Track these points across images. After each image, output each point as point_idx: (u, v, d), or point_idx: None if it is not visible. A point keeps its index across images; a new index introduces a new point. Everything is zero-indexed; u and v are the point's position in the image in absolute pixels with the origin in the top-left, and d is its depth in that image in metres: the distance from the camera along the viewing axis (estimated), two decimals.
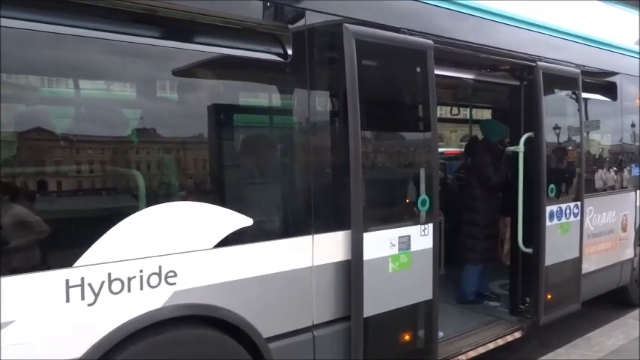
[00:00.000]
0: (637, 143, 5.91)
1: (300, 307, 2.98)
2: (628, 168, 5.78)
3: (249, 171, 3.01)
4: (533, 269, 4.35)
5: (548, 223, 4.32)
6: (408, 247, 3.32)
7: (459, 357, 3.94)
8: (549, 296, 4.40)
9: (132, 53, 2.48)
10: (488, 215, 5.02)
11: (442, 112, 8.80)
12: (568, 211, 4.54)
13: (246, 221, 2.73)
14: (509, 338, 4.38)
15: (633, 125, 5.83)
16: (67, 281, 2.23)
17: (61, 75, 2.43)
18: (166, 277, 2.49)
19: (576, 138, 4.80)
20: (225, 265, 2.68)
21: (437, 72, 3.52)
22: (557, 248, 4.41)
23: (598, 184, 5.32)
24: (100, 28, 2.39)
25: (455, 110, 7.76)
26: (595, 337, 4.65)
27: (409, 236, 3.32)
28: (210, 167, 2.85)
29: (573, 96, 4.72)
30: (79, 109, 2.54)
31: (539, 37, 4.47)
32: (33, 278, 2.16)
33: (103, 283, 2.31)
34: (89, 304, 2.28)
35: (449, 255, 4.77)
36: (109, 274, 2.33)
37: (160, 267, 2.47)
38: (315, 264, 3.01)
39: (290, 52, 2.91)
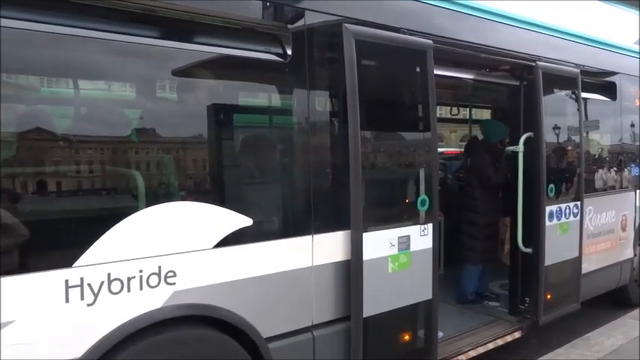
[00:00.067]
0: (636, 143, 5.91)
1: (299, 307, 2.98)
2: (627, 168, 5.78)
3: (249, 171, 3.01)
4: (532, 269, 4.35)
5: (547, 223, 4.32)
6: (408, 247, 3.32)
7: (459, 357, 3.95)
8: (549, 296, 4.40)
9: (132, 53, 2.48)
10: (488, 215, 5.03)
11: (442, 112, 8.80)
12: (568, 211, 4.55)
13: (246, 221, 2.73)
14: (509, 338, 4.38)
15: (633, 125, 5.83)
16: (67, 281, 2.23)
17: (61, 75, 2.43)
18: (166, 277, 2.49)
19: (576, 138, 4.80)
20: (225, 265, 2.68)
21: (437, 72, 3.52)
22: (556, 248, 4.41)
23: (598, 184, 5.32)
24: (100, 28, 2.39)
25: (455, 110, 7.76)
26: (594, 337, 4.66)
27: (409, 236, 3.33)
28: (209, 167, 2.85)
29: (573, 96, 4.72)
30: (78, 109, 2.55)
31: (539, 37, 4.48)
32: (33, 278, 2.16)
33: (102, 283, 2.31)
34: (89, 304, 2.28)
35: (449, 255, 4.76)
36: (109, 274, 2.33)
37: (159, 267, 2.47)
38: (314, 264, 3.01)
39: (290, 52, 2.91)
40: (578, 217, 4.65)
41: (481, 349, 4.12)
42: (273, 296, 2.86)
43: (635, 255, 5.82)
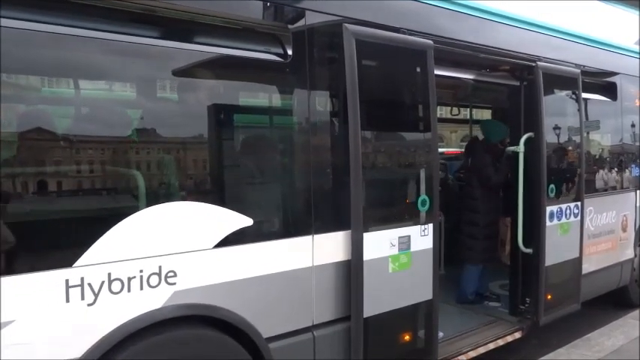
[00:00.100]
0: (637, 143, 5.91)
1: (300, 307, 2.98)
2: (628, 168, 5.78)
3: (249, 171, 3.01)
4: (533, 269, 4.35)
5: (548, 223, 4.32)
6: (408, 248, 3.32)
7: (459, 357, 3.94)
8: (549, 296, 4.40)
9: (132, 53, 2.48)
10: (488, 215, 5.03)
11: (442, 112, 8.80)
12: (568, 211, 4.54)
13: (246, 221, 2.73)
14: (509, 338, 4.38)
15: (633, 125, 5.83)
16: (67, 281, 2.23)
17: (61, 75, 2.43)
18: (166, 277, 2.49)
19: (576, 138, 4.80)
20: (226, 265, 2.68)
21: (437, 72, 3.52)
22: (557, 248, 4.41)
23: (598, 184, 5.31)
24: (100, 28, 2.39)
25: (455, 110, 7.76)
26: (595, 337, 4.65)
27: (409, 236, 3.32)
28: (210, 167, 2.85)
29: (573, 96, 4.72)
30: (78, 109, 2.55)
31: (539, 37, 4.48)
32: (33, 278, 2.16)
33: (102, 283, 2.31)
34: (89, 304, 2.28)
35: (449, 255, 4.77)
36: (109, 274, 2.33)
37: (159, 267, 2.47)
38: (315, 264, 3.00)
39: (290, 52, 2.91)
40: (579, 218, 4.65)
41: (481, 350, 4.12)
42: (274, 296, 2.86)
43: (635, 255, 5.82)
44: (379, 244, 3.17)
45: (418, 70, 3.48)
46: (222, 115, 2.83)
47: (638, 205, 5.78)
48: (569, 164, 4.83)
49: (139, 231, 2.42)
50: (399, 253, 3.27)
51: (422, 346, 3.49)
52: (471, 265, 5.10)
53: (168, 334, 2.51)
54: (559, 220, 4.45)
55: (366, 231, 3.10)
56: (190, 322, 2.60)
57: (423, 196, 3.40)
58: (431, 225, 3.44)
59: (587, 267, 4.84)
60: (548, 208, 4.33)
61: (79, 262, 2.26)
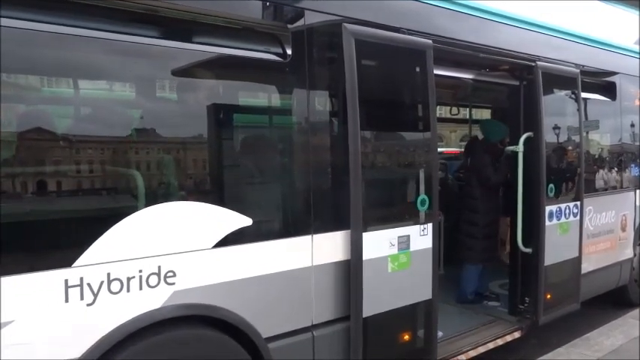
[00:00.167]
0: (636, 143, 5.91)
1: (299, 307, 2.98)
2: (627, 168, 5.78)
3: (249, 171, 3.00)
4: (532, 269, 4.35)
5: (547, 222, 4.32)
6: (408, 247, 3.32)
7: (459, 357, 3.95)
8: (549, 296, 4.40)
9: (132, 53, 2.48)
10: (488, 215, 5.03)
11: (442, 112, 8.80)
12: (567, 210, 4.55)
13: (246, 221, 2.73)
14: (509, 338, 4.38)
15: (632, 125, 5.83)
16: (66, 281, 2.23)
17: (61, 75, 2.42)
18: (165, 277, 2.49)
19: (576, 138, 4.80)
20: (225, 265, 2.68)
21: (436, 72, 3.52)
22: (556, 248, 4.41)
23: (597, 183, 5.32)
24: (100, 28, 2.39)
25: (454, 110, 7.76)
26: (594, 336, 4.66)
27: (408, 236, 3.32)
28: (209, 167, 2.84)
29: (573, 96, 4.72)
30: (78, 109, 2.54)
31: (539, 37, 4.48)
32: (32, 278, 2.16)
33: (102, 283, 2.31)
34: (88, 304, 2.28)
35: (448, 255, 4.77)
36: (108, 274, 2.33)
37: (159, 267, 2.47)
38: (314, 264, 3.01)
39: (289, 51, 2.91)
40: (578, 217, 4.65)
41: (481, 349, 4.13)
42: (273, 296, 2.86)
43: (634, 255, 5.82)
44: (378, 243, 3.17)
45: (418, 69, 3.47)
46: (221, 114, 2.83)
47: (637, 204, 5.79)
48: (568, 164, 4.83)
49: (139, 231, 2.42)
50: (399, 253, 3.28)
51: (421, 345, 3.49)
52: (470, 265, 5.11)
53: (168, 334, 2.51)
54: (558, 220, 4.45)
55: (366, 231, 3.10)
56: (190, 322, 2.60)
57: (423, 196, 3.41)
58: (430, 225, 3.44)
59: (586, 266, 4.84)
60: (548, 208, 4.34)
61: (79, 262, 2.26)
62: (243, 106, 3.06)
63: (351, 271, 3.09)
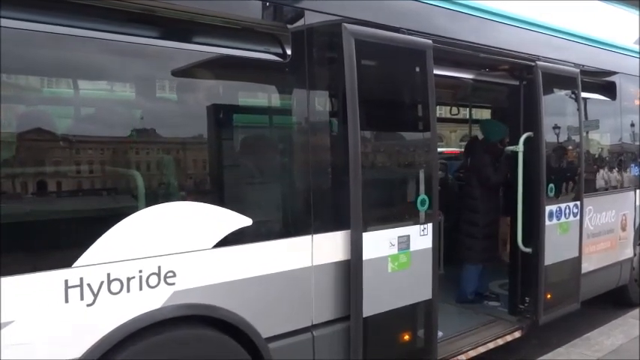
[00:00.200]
0: (636, 143, 5.91)
1: (299, 307, 2.98)
2: (627, 167, 5.78)
3: (249, 171, 3.01)
4: (532, 269, 4.35)
5: (547, 222, 4.32)
6: (408, 247, 3.32)
7: (459, 357, 3.95)
8: (549, 296, 4.40)
9: (132, 53, 2.48)
10: (488, 215, 5.03)
11: (442, 111, 8.80)
12: (567, 210, 4.55)
13: (246, 221, 2.73)
14: (509, 338, 4.38)
15: (632, 125, 5.83)
16: (66, 281, 2.23)
17: (60, 75, 2.43)
18: (166, 277, 2.49)
19: (576, 137, 4.80)
20: (225, 265, 2.68)
21: (436, 72, 3.52)
22: (556, 248, 4.41)
23: (597, 183, 5.32)
24: (100, 28, 2.39)
25: (455, 110, 7.76)
26: (594, 336, 4.66)
27: (408, 236, 3.33)
28: (209, 167, 2.84)
29: (572, 95, 4.72)
30: (78, 109, 2.54)
31: (539, 37, 4.47)
32: (32, 278, 2.16)
33: (102, 283, 2.31)
34: (88, 305, 2.29)
35: (448, 255, 4.77)
36: (108, 275, 2.33)
37: (159, 267, 2.47)
38: (314, 264, 3.01)
39: (289, 52, 2.91)
40: (578, 217, 4.65)
41: (481, 349, 4.12)
42: (273, 296, 2.86)
43: (634, 254, 5.82)
44: (378, 243, 3.17)
45: (417, 69, 3.47)
46: (221, 115, 2.83)
47: (637, 204, 5.79)
48: (568, 163, 4.83)
49: (138, 231, 2.42)
50: (399, 253, 3.28)
51: (421, 345, 3.49)
52: (470, 265, 5.11)
53: (168, 334, 2.51)
54: (558, 220, 4.45)
55: (366, 231, 3.10)
56: (190, 322, 2.60)
57: (423, 196, 3.41)
58: (430, 224, 3.44)
59: (586, 266, 4.84)
60: (548, 208, 4.34)
61: (79, 262, 2.26)
62: (243, 107, 3.06)
63: (351, 271, 3.09)
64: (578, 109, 4.74)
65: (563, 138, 4.70)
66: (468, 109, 7.74)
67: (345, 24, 3.05)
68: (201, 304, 2.59)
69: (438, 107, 4.66)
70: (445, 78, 4.38)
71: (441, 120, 8.08)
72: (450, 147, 15.42)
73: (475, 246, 5.04)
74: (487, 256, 5.08)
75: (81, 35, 2.34)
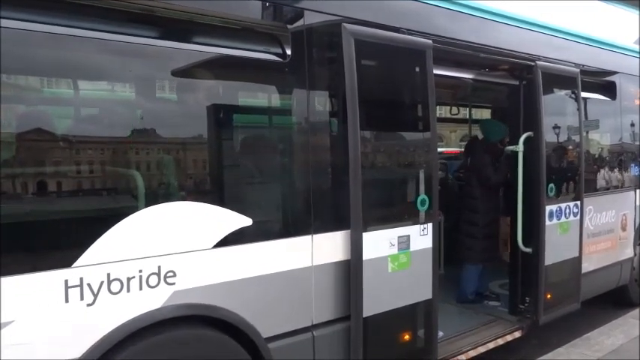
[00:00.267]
0: (636, 142, 5.91)
1: (299, 307, 2.98)
2: (627, 167, 5.78)
3: (249, 171, 3.01)
4: (532, 269, 4.35)
5: (547, 222, 4.32)
6: (408, 247, 3.32)
7: (459, 357, 3.94)
8: (549, 296, 4.40)
9: (131, 53, 2.48)
10: (488, 215, 5.03)
11: (442, 111, 8.80)
12: (567, 210, 4.55)
13: (246, 221, 2.73)
14: (509, 338, 4.38)
15: (633, 124, 5.83)
16: (67, 281, 2.23)
17: (60, 75, 2.43)
18: (166, 277, 2.49)
19: (576, 137, 4.80)
20: (225, 265, 2.68)
21: (436, 72, 3.52)
22: (556, 248, 4.41)
23: (598, 183, 5.32)
24: (99, 28, 2.39)
25: (454, 110, 7.76)
26: (595, 336, 4.66)
27: (408, 236, 3.33)
28: (209, 167, 2.85)
29: (572, 95, 4.72)
30: (78, 109, 2.55)
31: (539, 37, 4.48)
32: (32, 278, 2.16)
33: (102, 283, 2.32)
34: (88, 305, 2.29)
35: (448, 254, 4.77)
36: (108, 275, 2.33)
37: (159, 267, 2.47)
38: (314, 264, 3.01)
39: (289, 52, 2.91)
40: (578, 217, 4.65)
41: (481, 349, 4.12)
42: (273, 296, 2.86)
43: (635, 254, 5.82)
44: (378, 243, 3.17)
45: (417, 69, 3.47)
46: (221, 115, 2.83)
47: (637, 204, 5.79)
48: (568, 163, 4.83)
49: (138, 231, 2.42)
50: (399, 253, 3.28)
51: (422, 345, 3.49)
52: (470, 265, 5.11)
53: (168, 334, 2.51)
54: (558, 220, 4.45)
55: (366, 231, 3.10)
56: (190, 322, 2.60)
57: (423, 196, 3.41)
58: (430, 224, 3.44)
59: (586, 266, 4.84)
60: (548, 208, 4.34)
61: (78, 262, 2.26)
62: (243, 107, 3.06)
63: (351, 271, 3.09)
64: (578, 109, 4.74)
65: (563, 138, 4.70)
66: (468, 109, 7.74)
67: (344, 24, 3.05)
68: (201, 304, 2.59)
69: (438, 107, 4.66)
70: (445, 78, 4.38)
71: (441, 120, 8.09)
72: (450, 147, 15.42)
73: (475, 246, 5.04)
74: (487, 256, 5.08)
75: (81, 35, 2.34)
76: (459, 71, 4.55)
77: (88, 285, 2.28)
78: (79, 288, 2.26)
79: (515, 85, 4.58)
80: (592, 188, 5.12)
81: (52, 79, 2.44)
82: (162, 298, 2.48)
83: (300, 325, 2.98)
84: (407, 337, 3.41)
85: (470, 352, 4.03)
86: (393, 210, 3.48)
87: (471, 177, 5.19)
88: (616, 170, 5.64)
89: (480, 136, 5.56)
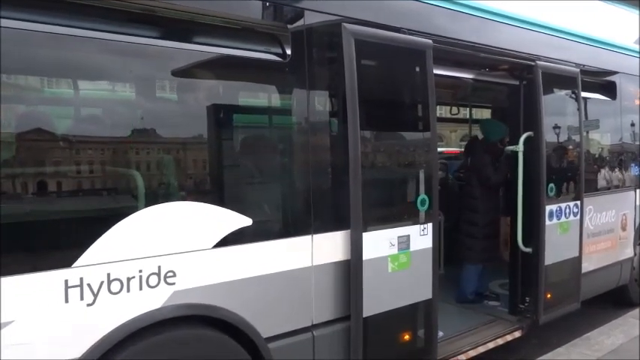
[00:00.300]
0: (636, 142, 5.91)
1: (299, 307, 2.98)
2: (627, 167, 5.78)
3: (249, 171, 3.01)
4: (532, 269, 4.35)
5: (547, 222, 4.32)
6: (408, 247, 3.32)
7: (459, 356, 3.94)
8: (549, 295, 4.40)
9: (131, 53, 2.48)
10: (488, 215, 5.03)
11: (442, 111, 8.80)
12: (568, 210, 4.55)
13: (246, 221, 2.73)
14: (509, 338, 4.38)
15: (633, 124, 5.83)
16: (67, 281, 2.23)
17: (60, 75, 2.43)
18: (165, 277, 2.49)
19: (576, 137, 4.80)
20: (225, 265, 2.68)
21: (436, 72, 3.52)
22: (556, 247, 4.41)
23: (598, 183, 5.32)
24: (99, 28, 2.39)
25: (455, 110, 7.76)
26: (595, 336, 4.66)
27: (408, 236, 3.33)
28: (209, 167, 2.85)
29: (573, 95, 4.72)
30: (78, 109, 2.54)
31: (539, 37, 4.47)
32: (32, 278, 2.16)
33: (102, 283, 2.32)
34: (88, 305, 2.29)
35: (448, 254, 4.76)
36: (108, 275, 2.33)
37: (159, 267, 2.47)
38: (314, 264, 3.01)
39: (289, 52, 2.91)
40: (578, 217, 4.65)
41: (481, 349, 4.12)
42: (273, 296, 2.86)
43: (635, 254, 5.82)
44: (378, 243, 3.17)
45: (417, 69, 3.47)
46: (221, 115, 2.83)
47: (637, 203, 5.79)
48: (568, 163, 4.83)
49: (138, 231, 2.42)
50: (399, 253, 3.28)
51: (421, 345, 3.49)
52: (470, 265, 5.11)
53: (168, 334, 2.52)
54: (558, 219, 4.45)
55: (366, 231, 3.10)
56: (190, 322, 2.60)
57: (423, 196, 3.41)
58: (430, 224, 3.44)
59: (586, 266, 4.84)
60: (548, 207, 4.34)
61: (78, 262, 2.26)
62: (243, 107, 3.06)
63: (351, 271, 3.09)
64: (579, 109, 4.74)
65: (563, 138, 4.70)
66: (468, 109, 7.74)
67: (344, 24, 3.05)
68: (201, 304, 2.59)
69: (438, 107, 4.65)
70: (445, 78, 4.38)
71: (441, 120, 8.09)
72: (450, 147, 15.41)
73: (475, 246, 5.04)
74: (487, 255, 5.08)
75: (81, 35, 2.34)
76: (459, 71, 4.55)
77: (88, 285, 2.28)
78: (79, 288, 2.26)
79: (515, 85, 4.58)
80: (592, 188, 5.12)
81: (53, 79, 2.44)
82: (162, 298, 2.48)
83: (300, 325, 2.98)
84: (407, 337, 3.41)
85: (470, 352, 4.03)
86: (393, 210, 3.48)
87: (471, 177, 5.19)
88: (616, 170, 5.64)
89: (480, 136, 5.56)
